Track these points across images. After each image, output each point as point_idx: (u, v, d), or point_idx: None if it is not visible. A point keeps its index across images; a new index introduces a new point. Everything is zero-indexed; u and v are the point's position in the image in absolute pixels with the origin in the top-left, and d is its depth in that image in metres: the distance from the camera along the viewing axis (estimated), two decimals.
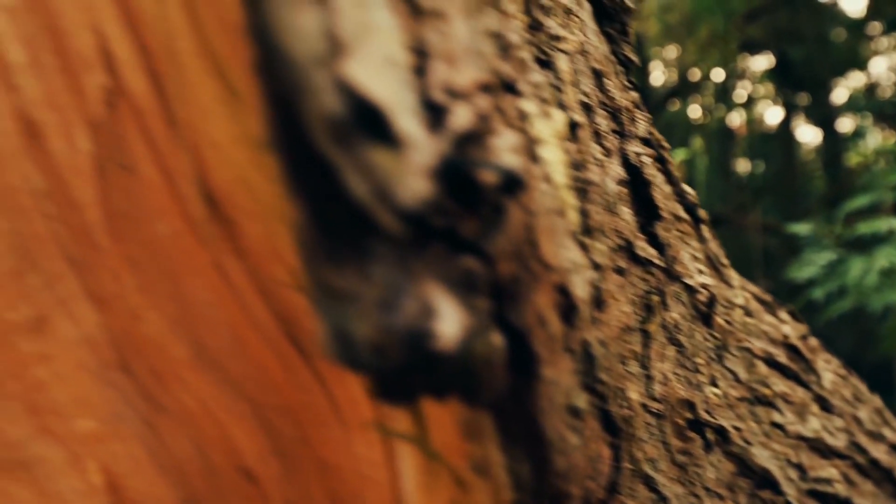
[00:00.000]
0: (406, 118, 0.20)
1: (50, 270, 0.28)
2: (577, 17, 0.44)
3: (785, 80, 5.22)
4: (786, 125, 5.46)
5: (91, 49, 0.27)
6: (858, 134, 4.88)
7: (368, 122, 0.18)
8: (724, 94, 5.39)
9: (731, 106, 5.48)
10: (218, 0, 0.23)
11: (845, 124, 5.17)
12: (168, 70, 0.27)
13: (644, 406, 0.41)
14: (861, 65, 4.93)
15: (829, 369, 0.73)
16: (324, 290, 0.21)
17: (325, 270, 0.20)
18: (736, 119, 5.49)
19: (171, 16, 0.26)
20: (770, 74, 5.49)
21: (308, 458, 0.31)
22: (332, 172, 0.18)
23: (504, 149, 0.24)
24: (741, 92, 5.50)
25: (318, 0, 0.19)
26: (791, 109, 5.43)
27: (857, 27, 4.82)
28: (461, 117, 0.22)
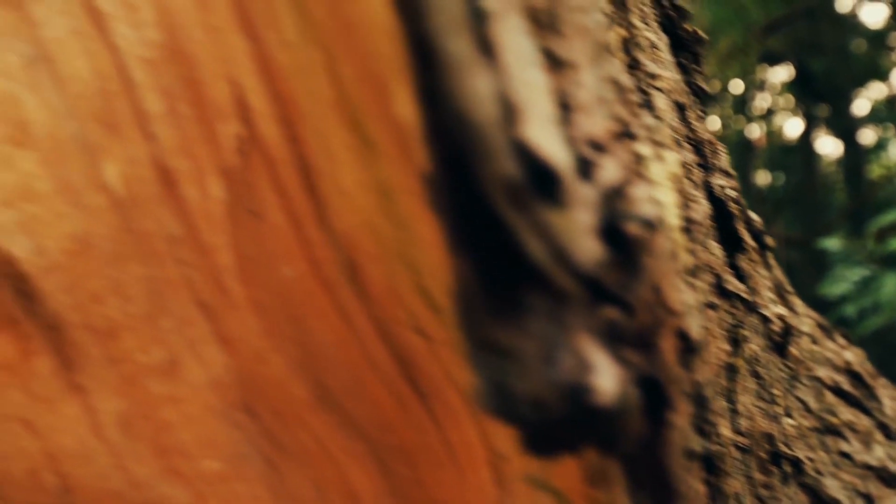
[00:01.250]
0: (570, 177, 0.20)
1: (181, 314, 0.28)
2: (660, 50, 0.45)
3: (805, 92, 5.20)
4: (806, 137, 5.43)
5: (227, 99, 0.27)
6: (880, 146, 4.85)
7: (542, 183, 0.19)
8: (743, 105, 5.37)
9: (750, 118, 5.46)
10: (365, 60, 0.23)
11: (867, 136, 5.14)
12: (301, 120, 0.27)
13: (732, 441, 0.41)
14: (882, 76, 4.90)
15: (887, 395, 0.72)
16: (482, 344, 0.21)
17: (485, 325, 0.21)
18: (756, 131, 5.47)
19: (308, 69, 0.26)
20: (790, 86, 5.46)
21: (422, 499, 0.31)
22: (507, 233, 0.19)
23: (644, 198, 0.24)
24: (761, 104, 5.48)
25: (489, 63, 0.19)
26: (811, 121, 5.40)
27: (877, 38, 4.79)
28: (609, 171, 0.22)
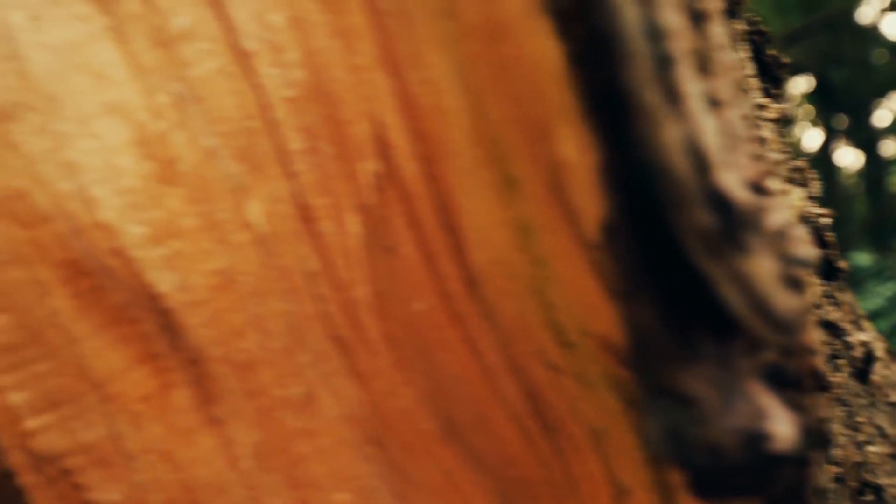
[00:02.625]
0: (759, 224, 0.20)
1: (317, 349, 0.28)
2: (751, 77, 0.45)
3: (825, 103, 5.17)
4: (826, 148, 5.40)
5: (367, 137, 0.27)
6: None
7: (736, 231, 0.19)
8: None
9: None
10: (521, 102, 0.24)
11: (888, 147, 5.10)
12: (440, 158, 0.27)
13: (830, 472, 0.41)
14: None
15: None
16: (658, 390, 0.21)
17: (663, 370, 0.21)
18: None
19: (451, 108, 0.27)
20: (810, 97, 5.44)
21: None
22: (701, 281, 0.19)
23: (802, 239, 0.24)
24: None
25: (676, 111, 0.20)
26: (832, 132, 5.37)
27: None
28: (776, 215, 0.23)
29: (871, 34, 5.13)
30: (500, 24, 0.23)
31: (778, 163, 0.30)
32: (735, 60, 0.26)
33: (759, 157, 0.26)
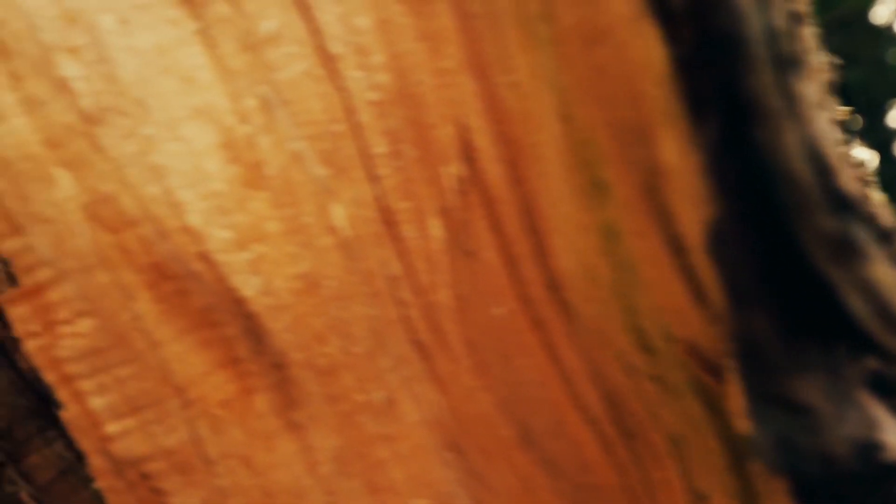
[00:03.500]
0: (872, 227, 0.20)
1: (398, 354, 0.28)
2: None
3: (840, 103, 5.13)
4: None
5: (451, 140, 0.27)
6: None
7: (859, 235, 0.19)
8: None
9: None
10: (617, 105, 0.23)
11: None
12: (525, 161, 0.27)
13: None
14: None
15: None
16: (769, 398, 0.21)
17: (775, 378, 0.21)
18: None
19: (537, 111, 0.26)
20: None
21: None
22: (824, 288, 0.18)
23: None
24: None
25: (795, 115, 0.19)
26: (846, 133, 5.33)
27: None
28: (885, 218, 0.22)
29: (885, 34, 5.10)
30: (600, 27, 0.23)
31: (859, 165, 0.30)
32: (821, 62, 0.26)
33: (855, 161, 0.26)
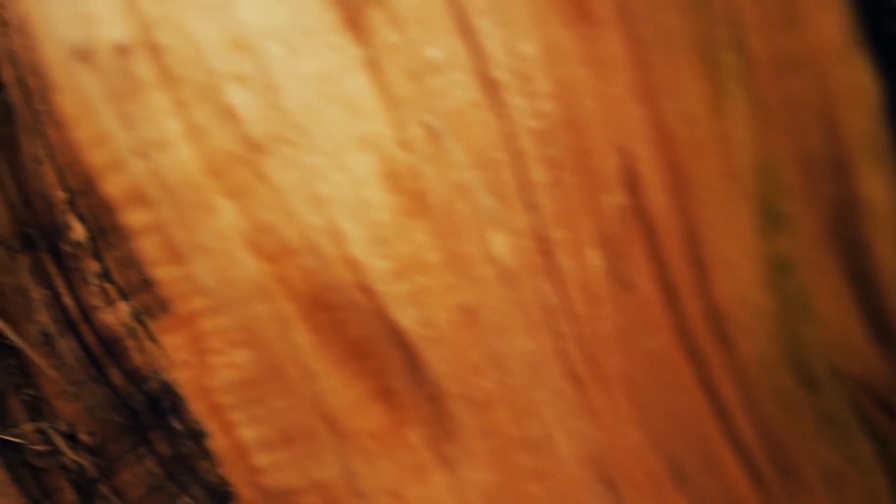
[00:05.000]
0: None
1: (553, 387, 0.28)
2: None
3: None
4: None
5: (614, 168, 0.27)
6: None
7: None
8: None
9: None
10: (809, 137, 0.23)
11: None
12: (692, 191, 0.27)
13: None
14: None
15: None
16: None
17: None
18: None
19: (706, 140, 0.26)
20: None
21: None
22: None
23: None
24: None
25: None
26: None
27: None
28: None
29: None
30: (798, 56, 0.22)
31: None
32: None
33: None
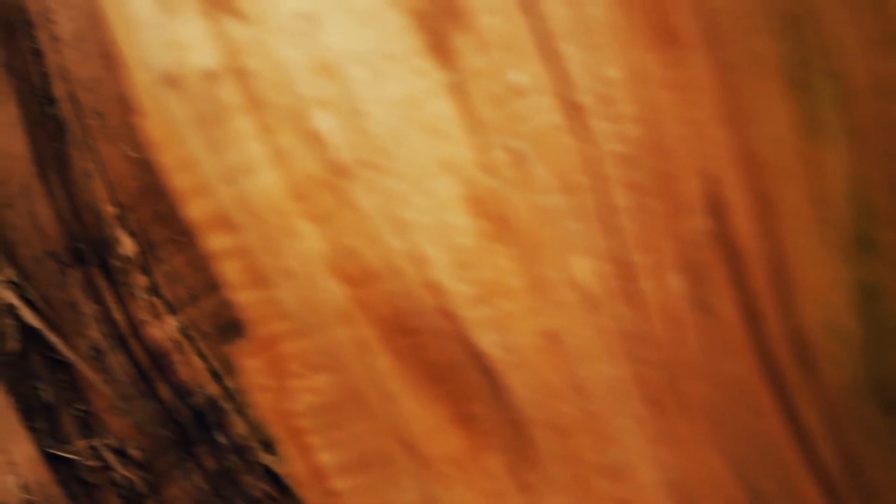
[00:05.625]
0: None
1: (633, 413, 0.27)
2: None
3: None
4: None
5: (698, 193, 0.26)
6: None
7: None
8: None
9: None
10: None
11: None
12: (779, 216, 0.26)
13: None
14: None
15: None
16: None
17: None
18: None
19: (792, 165, 0.25)
20: None
21: None
22: None
23: None
24: None
25: None
26: None
27: None
28: None
29: None
30: None
31: None
32: None
33: None
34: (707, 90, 0.26)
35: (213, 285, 0.51)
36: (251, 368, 0.27)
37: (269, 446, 0.52)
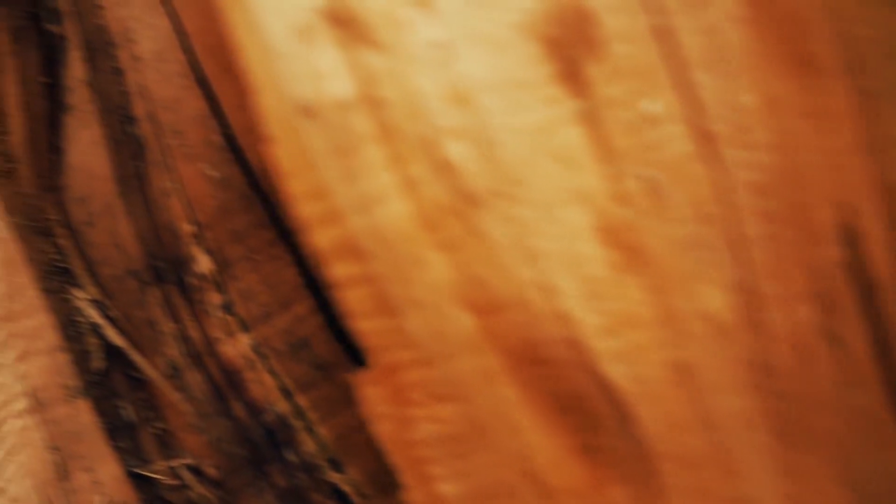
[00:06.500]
0: None
1: (762, 445, 0.27)
2: None
3: None
4: None
5: (831, 223, 0.26)
6: None
7: None
8: None
9: None
10: None
11: None
12: None
13: None
14: None
15: None
16: None
17: None
18: None
19: None
20: None
21: None
22: None
23: None
24: None
25: None
26: None
27: None
28: None
29: None
30: None
31: None
32: None
33: None
34: (844, 118, 0.25)
35: (285, 303, 0.51)
36: (372, 397, 0.27)
37: (337, 465, 0.52)
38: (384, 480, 0.55)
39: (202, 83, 0.49)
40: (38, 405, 0.43)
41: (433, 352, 0.26)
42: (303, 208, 0.25)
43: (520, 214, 0.25)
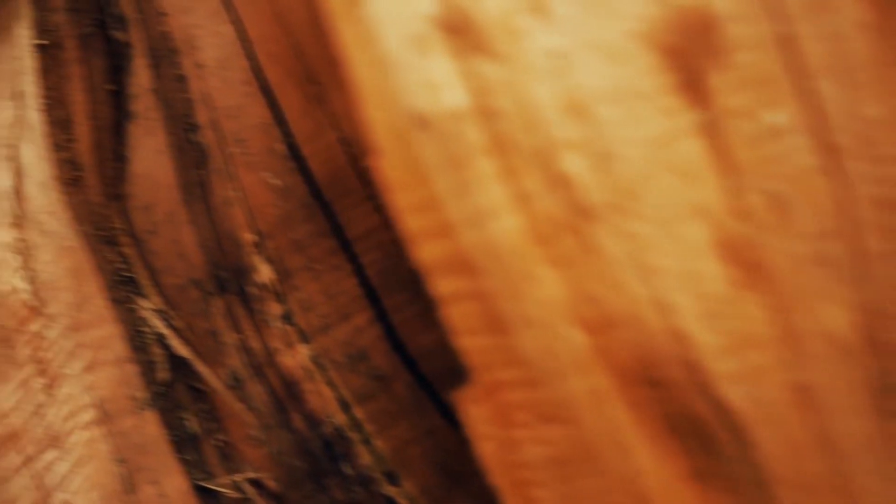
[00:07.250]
0: None
1: (881, 471, 0.26)
2: None
3: None
4: None
5: None
6: None
7: None
8: None
9: None
10: None
11: None
12: None
13: None
14: None
15: None
16: None
17: None
18: None
19: None
20: None
21: None
22: None
23: None
24: None
25: None
26: None
27: None
28: None
29: None
30: None
31: None
32: None
33: None
34: None
35: (345, 314, 0.50)
36: (476, 416, 0.26)
37: (392, 478, 0.51)
38: (439, 494, 0.54)
39: (265, 91, 0.48)
40: (105, 417, 0.43)
41: (542, 371, 0.25)
42: (411, 221, 0.25)
43: (636, 229, 0.24)
